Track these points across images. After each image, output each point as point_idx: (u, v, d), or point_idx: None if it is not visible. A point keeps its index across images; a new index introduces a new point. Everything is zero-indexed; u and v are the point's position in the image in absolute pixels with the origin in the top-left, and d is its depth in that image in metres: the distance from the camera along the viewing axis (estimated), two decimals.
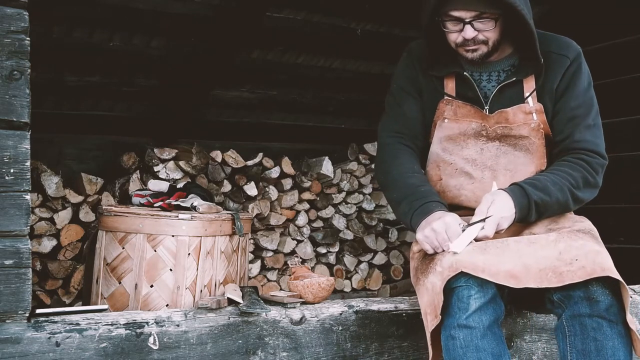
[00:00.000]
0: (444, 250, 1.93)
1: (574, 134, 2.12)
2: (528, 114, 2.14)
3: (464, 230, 1.92)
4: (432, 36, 2.13)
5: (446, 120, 2.20)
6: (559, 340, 1.90)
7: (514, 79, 2.14)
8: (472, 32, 2.01)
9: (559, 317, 1.92)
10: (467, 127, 2.18)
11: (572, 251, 1.85)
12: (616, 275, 1.80)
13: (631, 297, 2.49)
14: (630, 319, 1.81)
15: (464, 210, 2.16)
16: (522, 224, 2.07)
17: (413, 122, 2.25)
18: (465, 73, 2.16)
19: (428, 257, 2.01)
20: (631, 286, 2.61)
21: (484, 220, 1.93)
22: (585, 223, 2.09)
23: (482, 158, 2.17)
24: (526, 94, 2.14)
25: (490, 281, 1.84)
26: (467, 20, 2.00)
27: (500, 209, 1.95)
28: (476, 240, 1.93)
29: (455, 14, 2.00)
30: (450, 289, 1.86)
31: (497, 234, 1.99)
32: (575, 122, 2.12)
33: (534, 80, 2.14)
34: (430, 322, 1.89)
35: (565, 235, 1.92)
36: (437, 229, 1.94)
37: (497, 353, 1.84)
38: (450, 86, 2.20)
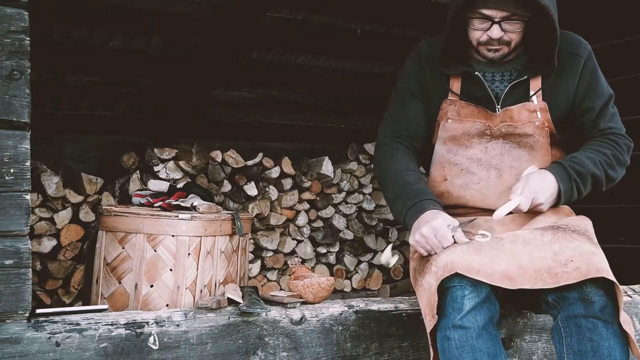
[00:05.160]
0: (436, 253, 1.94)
1: (599, 125, 2.15)
2: (532, 112, 2.13)
3: (453, 234, 1.93)
4: (451, 31, 2.10)
5: (449, 121, 2.18)
6: (555, 341, 1.90)
7: (525, 77, 2.13)
8: (499, 32, 1.99)
9: (555, 318, 1.91)
10: (471, 127, 2.16)
11: (567, 252, 1.85)
12: (610, 276, 1.79)
13: (631, 297, 2.50)
14: (624, 319, 1.81)
15: (469, 209, 2.16)
16: (533, 212, 2.08)
17: (414, 123, 2.23)
18: (476, 73, 2.13)
19: (425, 258, 2.00)
20: (631, 286, 2.61)
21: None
22: (583, 223, 2.09)
23: (487, 157, 2.16)
24: (531, 92, 2.13)
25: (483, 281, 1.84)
26: (497, 19, 1.98)
27: (533, 184, 1.99)
28: (512, 212, 1.99)
29: (487, 12, 1.98)
30: (444, 289, 1.86)
31: (534, 211, 2.03)
32: (602, 114, 2.16)
33: (540, 80, 2.13)
34: (429, 322, 1.89)
35: (560, 236, 1.92)
36: (425, 234, 1.94)
37: (492, 353, 1.83)
38: (456, 86, 2.17)
